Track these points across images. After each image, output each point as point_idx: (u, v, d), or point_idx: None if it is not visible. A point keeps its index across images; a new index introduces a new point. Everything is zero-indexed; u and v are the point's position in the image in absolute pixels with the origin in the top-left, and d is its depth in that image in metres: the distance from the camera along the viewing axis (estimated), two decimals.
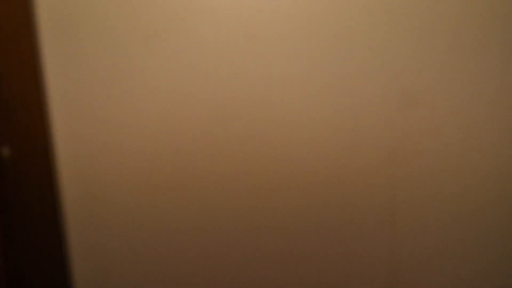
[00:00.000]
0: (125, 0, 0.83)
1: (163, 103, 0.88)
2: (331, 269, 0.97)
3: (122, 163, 0.89)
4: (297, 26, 0.86)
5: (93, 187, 0.90)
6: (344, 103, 0.89)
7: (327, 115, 0.90)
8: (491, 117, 0.92)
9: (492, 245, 0.97)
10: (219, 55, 0.86)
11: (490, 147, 0.93)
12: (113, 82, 0.86)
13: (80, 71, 0.86)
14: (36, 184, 0.88)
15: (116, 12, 0.84)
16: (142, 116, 0.88)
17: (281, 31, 0.86)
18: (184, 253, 0.94)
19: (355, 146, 0.91)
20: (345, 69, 0.88)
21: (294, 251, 0.95)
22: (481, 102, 0.91)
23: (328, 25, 0.86)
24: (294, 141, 0.91)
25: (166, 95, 0.87)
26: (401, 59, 0.88)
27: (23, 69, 0.85)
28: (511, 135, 0.92)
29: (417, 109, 0.90)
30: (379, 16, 0.86)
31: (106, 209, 0.91)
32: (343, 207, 0.94)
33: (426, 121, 0.91)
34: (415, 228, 0.95)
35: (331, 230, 0.95)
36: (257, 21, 0.85)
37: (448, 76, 0.89)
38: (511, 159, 0.93)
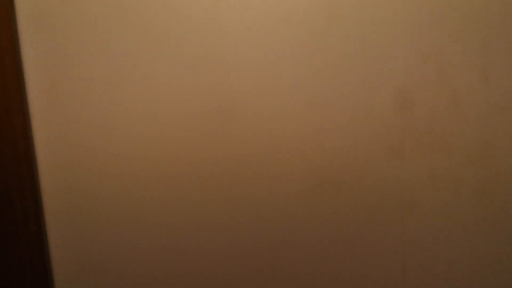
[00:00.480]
0: None
1: (153, 103, 0.85)
2: (341, 266, 0.95)
3: (107, 165, 0.86)
4: (295, 26, 0.86)
5: (76, 189, 0.86)
6: (343, 104, 0.89)
7: (325, 115, 0.89)
8: (490, 116, 0.92)
9: (497, 242, 0.96)
10: (218, 56, 0.85)
11: (489, 146, 0.93)
12: (98, 82, 0.83)
13: (62, 72, 0.82)
14: (16, 188, 0.84)
15: (102, 8, 0.81)
16: (128, 115, 0.85)
17: (279, 32, 0.86)
18: (174, 253, 0.91)
19: (355, 146, 0.91)
20: (344, 69, 0.88)
21: (297, 251, 0.94)
22: (481, 102, 0.91)
23: (327, 26, 0.86)
24: (291, 141, 0.89)
25: (157, 95, 0.85)
26: (400, 59, 0.88)
27: (3, 71, 0.81)
28: (510, 134, 0.93)
29: (415, 109, 0.90)
30: (377, 16, 0.87)
31: (90, 212, 0.87)
32: (343, 206, 0.93)
33: (425, 121, 0.91)
34: (420, 226, 0.95)
35: (330, 232, 0.93)
36: (256, 21, 0.85)
37: (447, 76, 0.90)
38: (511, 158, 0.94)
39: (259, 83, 0.87)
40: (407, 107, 0.90)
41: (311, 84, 0.88)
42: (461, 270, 0.96)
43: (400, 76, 0.89)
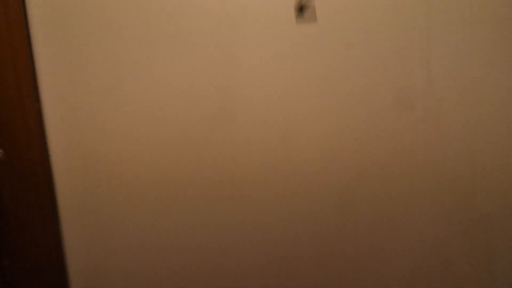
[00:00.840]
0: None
1: (161, 104, 0.87)
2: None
3: (117, 163, 0.89)
4: (295, 27, 0.86)
5: (89, 187, 0.89)
6: (343, 105, 0.89)
7: (325, 116, 0.90)
8: (490, 117, 0.91)
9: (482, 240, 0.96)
10: (218, 55, 0.86)
11: (488, 146, 0.93)
12: (108, 82, 0.86)
13: (74, 72, 0.85)
14: (31, 186, 0.88)
15: (113, 12, 0.83)
16: (137, 115, 0.88)
17: (279, 32, 0.86)
18: (184, 255, 0.94)
19: (355, 147, 0.91)
20: (343, 70, 0.88)
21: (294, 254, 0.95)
22: (480, 103, 0.91)
23: (327, 26, 0.86)
24: (290, 142, 0.90)
25: (165, 96, 0.87)
26: (400, 60, 0.88)
27: (17, 72, 0.84)
28: (510, 134, 0.92)
29: (415, 109, 0.90)
30: (378, 18, 0.86)
31: (103, 208, 0.90)
32: (340, 209, 0.93)
33: (424, 122, 0.91)
34: (414, 229, 0.95)
35: (326, 229, 0.94)
36: (256, 22, 0.85)
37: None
38: (510, 157, 0.93)
39: (262, 84, 0.87)
40: None
41: (314, 87, 0.88)
42: None
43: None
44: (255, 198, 0.92)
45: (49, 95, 0.86)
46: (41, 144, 0.87)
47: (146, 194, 0.91)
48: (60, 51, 0.84)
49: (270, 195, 0.92)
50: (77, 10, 0.83)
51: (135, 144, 0.88)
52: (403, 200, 0.94)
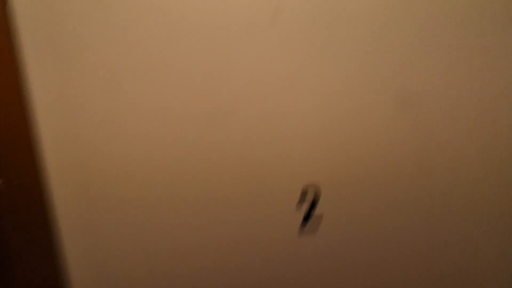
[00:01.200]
0: None
1: (157, 103, 0.86)
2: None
3: (117, 188, 0.88)
4: (294, 26, 0.85)
5: (89, 214, 0.89)
6: (342, 104, 0.90)
7: (325, 115, 0.90)
8: (489, 118, 0.92)
9: (484, 245, 0.99)
10: (218, 55, 0.85)
11: (487, 147, 0.94)
12: (100, 82, 0.84)
13: (70, 96, 0.84)
14: (31, 215, 0.87)
15: (107, 10, 0.81)
16: (130, 116, 0.86)
17: (278, 31, 0.85)
18: (183, 256, 0.94)
19: (354, 147, 0.92)
20: (344, 70, 0.88)
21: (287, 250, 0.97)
22: (479, 103, 0.92)
23: (327, 25, 0.86)
24: (290, 141, 0.91)
25: (161, 95, 0.86)
26: (399, 60, 0.89)
27: (10, 98, 0.83)
28: (508, 135, 0.93)
29: (415, 110, 0.91)
30: (378, 17, 0.87)
31: (104, 235, 0.90)
32: (338, 210, 0.94)
33: (423, 123, 0.92)
34: (409, 230, 0.97)
35: (323, 232, 0.95)
36: (256, 22, 0.85)
37: (446, 77, 0.90)
38: (508, 159, 0.94)
39: (260, 83, 0.87)
40: None
41: (312, 85, 0.88)
42: None
43: None
44: (254, 198, 0.92)
45: (45, 121, 0.84)
46: (40, 173, 0.86)
47: (150, 217, 0.90)
48: (52, 72, 0.82)
49: (270, 194, 0.92)
50: (69, 29, 0.81)
51: (128, 145, 0.87)
52: (401, 205, 0.95)
